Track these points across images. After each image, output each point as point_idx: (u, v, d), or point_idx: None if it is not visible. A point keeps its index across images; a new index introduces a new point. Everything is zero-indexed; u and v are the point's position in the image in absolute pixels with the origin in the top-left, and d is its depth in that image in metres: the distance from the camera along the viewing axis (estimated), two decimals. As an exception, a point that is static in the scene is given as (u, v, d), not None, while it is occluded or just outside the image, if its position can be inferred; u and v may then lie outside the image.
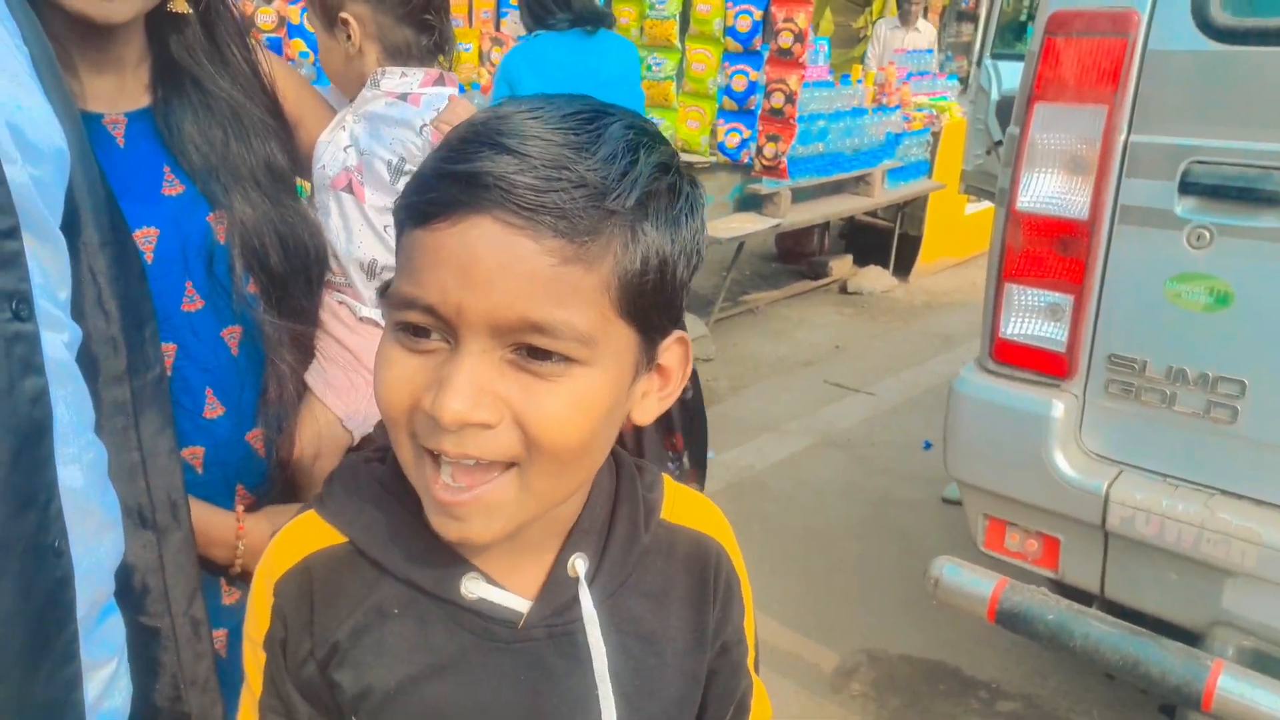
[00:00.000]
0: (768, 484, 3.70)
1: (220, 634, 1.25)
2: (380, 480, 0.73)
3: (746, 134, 3.96)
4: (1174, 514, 1.84)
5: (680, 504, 0.81)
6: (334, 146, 1.42)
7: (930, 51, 7.70)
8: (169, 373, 0.93)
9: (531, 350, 0.61)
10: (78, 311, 0.72)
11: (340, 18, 1.43)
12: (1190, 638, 1.88)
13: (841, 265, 6.72)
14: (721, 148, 4.36)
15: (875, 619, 2.90)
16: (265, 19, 3.26)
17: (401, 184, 1.41)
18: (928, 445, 4.01)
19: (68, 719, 0.68)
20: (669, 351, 0.69)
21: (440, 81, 1.49)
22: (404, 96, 1.45)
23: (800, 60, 3.67)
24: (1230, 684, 1.70)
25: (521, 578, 0.72)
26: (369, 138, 1.43)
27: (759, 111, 3.90)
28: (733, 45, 3.84)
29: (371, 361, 1.30)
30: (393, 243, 1.39)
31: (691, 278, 0.68)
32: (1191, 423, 1.85)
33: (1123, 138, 1.84)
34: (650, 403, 0.70)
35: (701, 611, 0.79)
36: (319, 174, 1.41)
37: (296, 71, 1.47)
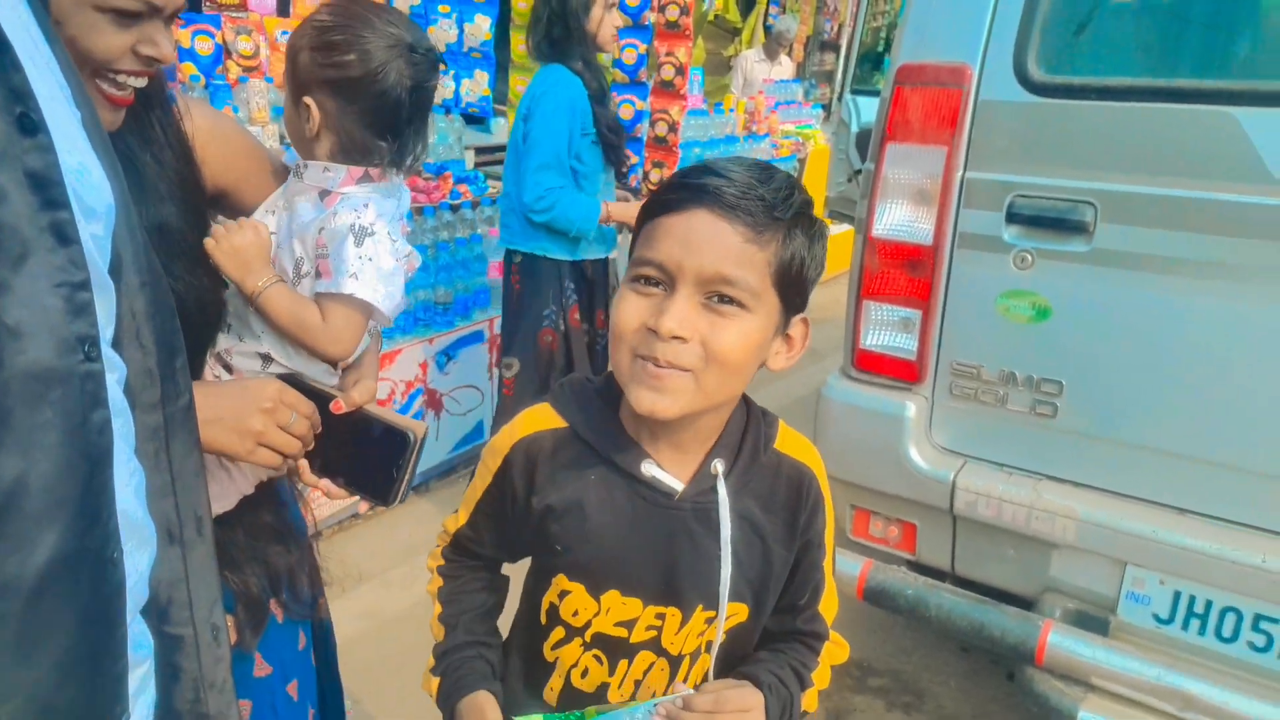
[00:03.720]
0: (655, 490, 3.91)
1: (245, 705, 1.33)
2: (597, 391, 1.11)
3: (634, 160, 4.19)
4: (1009, 497, 2.13)
5: (789, 440, 1.14)
6: None
7: (797, 81, 8.15)
8: None
9: (720, 297, 0.95)
10: (118, 346, 0.79)
11: (304, 100, 1.33)
12: (1026, 604, 2.18)
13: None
14: (611, 174, 4.58)
15: (758, 610, 3.14)
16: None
17: (302, 286, 1.35)
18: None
19: (115, 709, 0.76)
20: (795, 326, 1.03)
21: (365, 179, 1.37)
22: (323, 194, 1.36)
23: (682, 92, 3.92)
24: (1057, 640, 2.00)
25: (678, 470, 1.06)
26: (286, 232, 1.37)
27: (644, 139, 4.13)
28: (620, 76, 4.07)
29: None
30: (288, 346, 1.39)
31: (816, 281, 1.02)
32: (1021, 418, 2.16)
33: (960, 174, 2.13)
34: (780, 359, 1.04)
35: (794, 516, 1.11)
36: None
37: (236, 136, 1.38)
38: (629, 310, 0.98)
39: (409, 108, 1.34)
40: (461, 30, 4.55)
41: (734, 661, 1.16)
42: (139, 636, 0.81)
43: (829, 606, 1.19)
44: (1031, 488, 2.12)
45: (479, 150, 5.03)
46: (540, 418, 1.11)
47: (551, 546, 1.08)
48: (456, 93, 4.64)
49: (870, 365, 2.31)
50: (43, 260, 0.66)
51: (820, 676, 1.18)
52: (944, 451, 2.26)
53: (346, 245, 1.31)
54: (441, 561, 1.23)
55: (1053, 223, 2.05)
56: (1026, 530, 2.12)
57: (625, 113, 3.99)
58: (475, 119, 5.00)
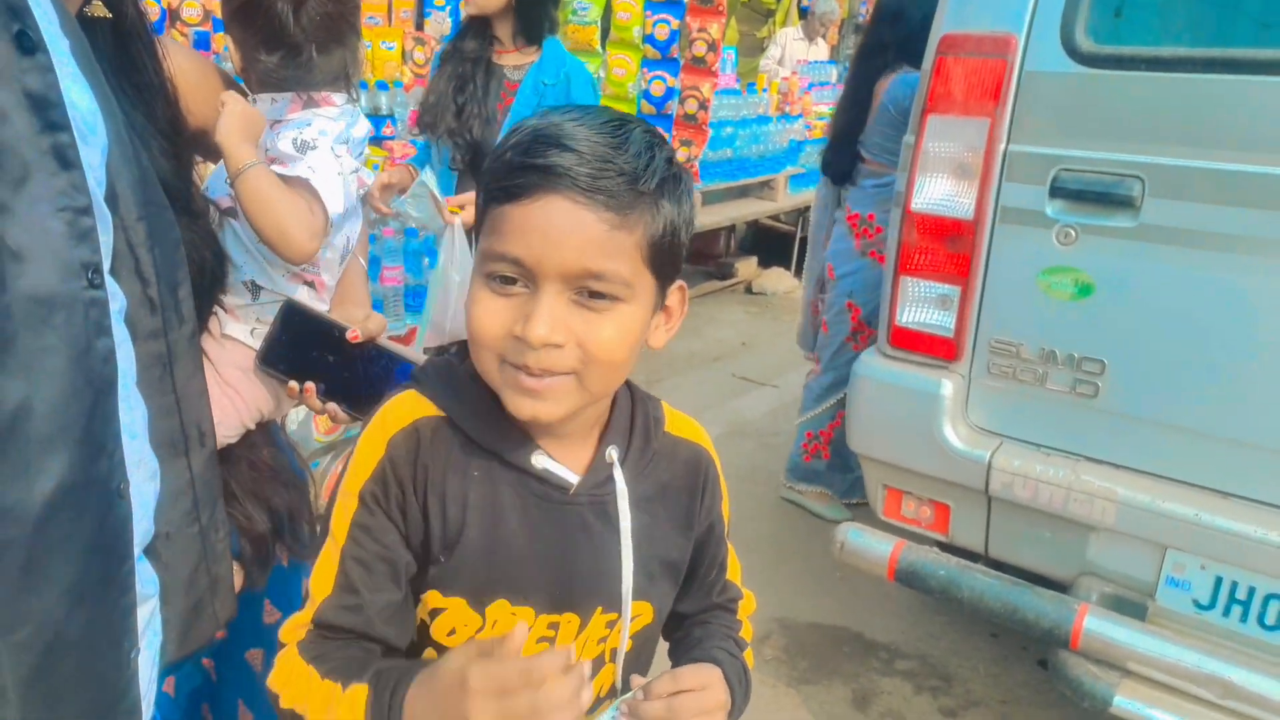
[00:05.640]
0: (682, 470, 3.89)
1: (258, 652, 1.38)
2: (471, 375, 0.95)
3: (664, 137, 4.17)
4: (1046, 478, 2.09)
5: (676, 421, 1.07)
6: (224, 170, 1.40)
7: (832, 63, 8.06)
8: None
9: (591, 293, 0.85)
10: (116, 278, 0.79)
11: (227, 41, 1.43)
12: (1061, 588, 2.13)
13: (747, 267, 6.98)
14: (640, 150, 4.52)
15: (785, 591, 3.11)
16: (191, 12, 3.26)
17: None
18: (830, 433, 4.26)
19: (125, 643, 0.77)
20: (672, 296, 0.95)
21: (310, 104, 1.44)
22: (273, 124, 1.42)
23: (713, 69, 3.88)
24: (1094, 624, 1.95)
25: (570, 461, 0.96)
26: None
27: (674, 116, 4.09)
28: (651, 52, 4.02)
29: (226, 374, 1.38)
30: (269, 268, 1.44)
31: (689, 242, 0.92)
32: (1060, 398, 2.11)
33: (1003, 147, 2.08)
34: (660, 333, 0.95)
35: (693, 500, 1.05)
36: (208, 194, 1.40)
37: (212, 74, 1.43)
38: (488, 314, 0.86)
39: (299, 21, 1.39)
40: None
41: (640, 669, 1.07)
42: (145, 573, 0.81)
43: (734, 570, 1.15)
44: (1070, 469, 2.07)
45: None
46: (410, 407, 0.95)
47: (434, 557, 0.93)
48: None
49: (906, 342, 2.27)
50: (44, 184, 0.65)
51: (747, 633, 1.15)
52: (980, 431, 2.22)
53: (291, 155, 1.38)
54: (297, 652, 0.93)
55: (1098, 197, 1.99)
56: (1064, 512, 2.07)
57: (656, 89, 3.97)
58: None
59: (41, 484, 0.64)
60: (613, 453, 0.97)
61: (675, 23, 3.99)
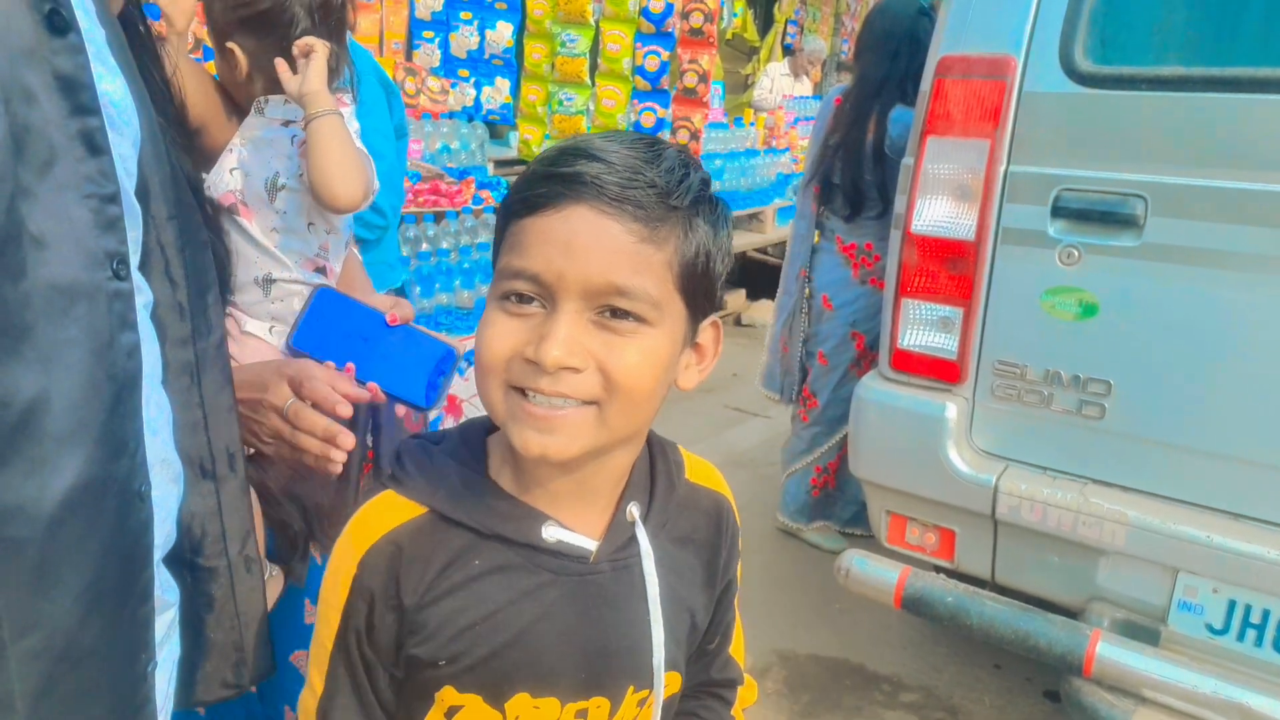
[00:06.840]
0: (676, 502, 3.84)
1: (301, 654, 1.33)
2: (450, 454, 0.86)
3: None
4: (1054, 501, 2.05)
5: (695, 467, 0.98)
6: (221, 169, 1.43)
7: (817, 98, 8.15)
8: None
9: (614, 311, 0.77)
10: (145, 278, 0.77)
11: (226, 47, 1.41)
12: (1070, 614, 2.09)
13: (735, 299, 6.98)
14: (632, 179, 4.54)
15: (784, 623, 3.06)
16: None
17: (279, 200, 1.44)
18: (824, 464, 4.22)
19: (142, 655, 0.72)
20: (705, 332, 0.86)
21: None
22: (287, 124, 1.45)
23: (704, 100, 3.90)
24: (1107, 650, 1.91)
25: (585, 524, 0.86)
26: (252, 160, 1.44)
27: (665, 147, 4.12)
28: (641, 84, 4.04)
29: None
30: (284, 257, 1.45)
31: (724, 274, 0.84)
32: (1066, 420, 2.08)
33: (1003, 168, 2.07)
34: (691, 373, 0.86)
35: (715, 554, 0.96)
36: (209, 193, 1.41)
37: (206, 77, 1.44)
38: (499, 336, 0.78)
39: (320, 29, 1.42)
40: (483, 37, 4.54)
41: None
42: (167, 581, 0.77)
43: (738, 644, 1.05)
44: (1078, 492, 2.04)
45: (496, 164, 5.02)
46: (385, 515, 0.84)
47: (432, 662, 0.84)
48: (477, 100, 4.63)
49: (908, 366, 2.24)
50: (71, 169, 0.62)
51: None
52: (985, 455, 2.18)
53: None
54: None
55: (1101, 217, 1.98)
56: (1073, 536, 2.04)
57: (647, 120, 3.98)
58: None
59: (57, 482, 0.61)
60: (634, 510, 0.88)
61: (665, 54, 4.01)
